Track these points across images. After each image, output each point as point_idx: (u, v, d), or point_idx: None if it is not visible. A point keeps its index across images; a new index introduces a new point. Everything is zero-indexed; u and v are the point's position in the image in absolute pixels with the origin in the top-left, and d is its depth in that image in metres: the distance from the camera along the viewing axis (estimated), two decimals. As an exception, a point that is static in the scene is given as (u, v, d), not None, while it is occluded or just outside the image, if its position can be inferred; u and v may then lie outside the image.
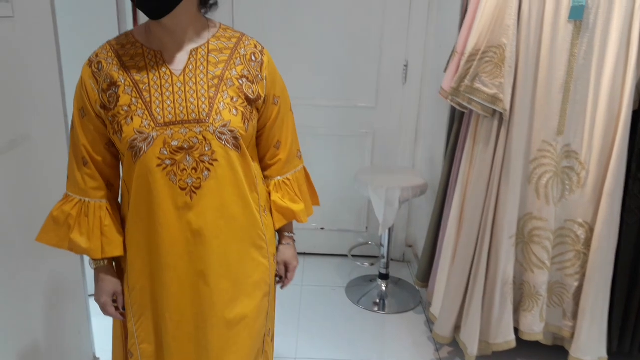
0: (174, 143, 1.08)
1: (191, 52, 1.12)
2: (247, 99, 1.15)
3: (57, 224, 1.17)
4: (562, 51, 1.81)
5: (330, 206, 3.03)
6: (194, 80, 1.11)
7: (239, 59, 1.16)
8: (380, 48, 2.82)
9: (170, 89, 1.10)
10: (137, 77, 1.10)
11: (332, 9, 2.77)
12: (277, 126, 1.26)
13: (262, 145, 1.27)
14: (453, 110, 2.24)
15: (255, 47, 1.21)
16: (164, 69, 1.10)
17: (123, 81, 1.10)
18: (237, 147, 1.13)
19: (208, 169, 1.11)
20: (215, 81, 1.12)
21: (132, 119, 1.08)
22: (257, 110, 1.19)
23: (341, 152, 3.00)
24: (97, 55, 1.14)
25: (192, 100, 1.09)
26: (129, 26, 2.30)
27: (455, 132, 2.19)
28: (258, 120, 1.21)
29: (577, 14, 1.74)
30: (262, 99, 1.18)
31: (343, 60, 2.85)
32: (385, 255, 2.68)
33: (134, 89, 1.09)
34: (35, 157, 1.54)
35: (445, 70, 2.09)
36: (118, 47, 1.13)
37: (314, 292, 2.77)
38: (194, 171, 1.10)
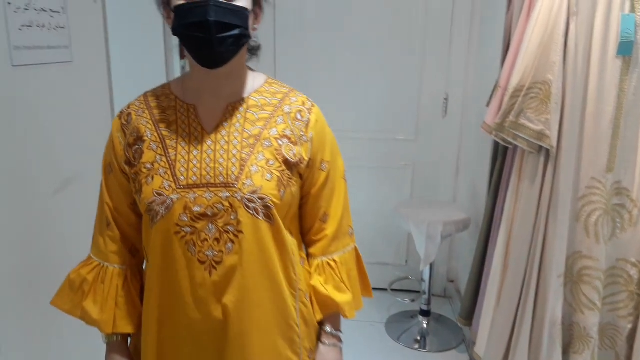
0: (196, 209, 0.95)
1: (228, 107, 1.01)
2: (286, 162, 1.00)
3: (72, 288, 1.07)
4: (611, 87, 1.77)
5: (369, 238, 3.01)
6: (226, 138, 0.99)
7: (281, 117, 1.03)
8: (420, 81, 2.83)
9: (199, 147, 0.98)
10: (165, 132, 1.00)
11: (373, 43, 2.80)
12: (325, 195, 1.08)
13: (306, 216, 1.10)
14: (496, 145, 2.21)
15: (303, 104, 1.06)
16: (195, 125, 1.00)
17: (149, 136, 1.00)
18: (269, 217, 0.97)
19: (232, 241, 0.96)
20: (251, 140, 0.99)
21: (152, 178, 0.97)
22: (300, 175, 1.04)
23: (381, 184, 2.99)
24: (128, 107, 1.06)
25: (221, 160, 0.97)
26: (177, 72, 2.39)
27: (499, 167, 2.15)
28: (301, 187, 1.06)
29: (626, 50, 1.71)
30: (306, 162, 1.03)
31: (383, 93, 2.86)
32: (427, 291, 2.63)
33: (160, 145, 0.99)
34: (89, 197, 1.59)
35: (487, 105, 2.07)
36: (152, 99, 1.04)
37: (352, 327, 2.72)
38: (215, 242, 0.96)
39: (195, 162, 0.97)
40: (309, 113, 1.05)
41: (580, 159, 1.85)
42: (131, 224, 1.07)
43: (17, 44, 1.25)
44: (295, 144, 1.02)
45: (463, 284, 2.67)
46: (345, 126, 2.87)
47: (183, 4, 0.91)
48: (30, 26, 1.29)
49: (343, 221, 1.11)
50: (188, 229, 0.95)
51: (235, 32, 0.92)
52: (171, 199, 0.95)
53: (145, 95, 1.07)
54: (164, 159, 0.98)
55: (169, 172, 0.97)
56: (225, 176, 0.96)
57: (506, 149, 2.07)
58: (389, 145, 2.93)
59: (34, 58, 1.32)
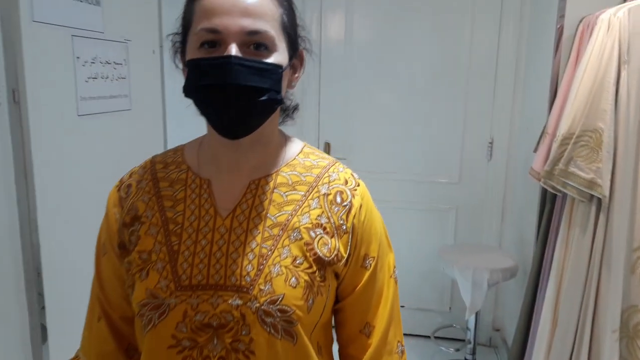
0: (198, 317, 0.73)
1: (250, 185, 0.80)
2: (318, 260, 0.77)
3: None
4: (665, 135, 1.72)
5: (411, 283, 2.97)
6: (244, 226, 0.77)
7: (317, 199, 0.80)
8: (464, 124, 2.83)
9: (209, 235, 0.77)
10: (169, 213, 0.79)
11: (417, 86, 2.83)
12: (367, 300, 0.84)
13: (343, 325, 0.87)
14: (544, 191, 2.17)
15: (346, 182, 0.83)
16: (207, 206, 0.78)
17: (149, 217, 0.79)
18: (291, 335, 0.75)
19: None
20: (275, 230, 0.77)
21: (147, 273, 0.76)
22: (336, 275, 0.81)
23: (423, 227, 2.96)
24: (130, 175, 0.86)
25: (235, 256, 0.75)
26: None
27: (547, 214, 2.10)
28: (337, 288, 0.83)
29: (681, 98, 1.67)
30: (344, 260, 0.80)
31: (426, 135, 2.87)
32: (472, 340, 2.55)
33: (161, 231, 0.78)
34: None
35: (535, 151, 2.04)
36: (160, 167, 0.84)
37: (394, 375, 2.67)
38: None
39: (202, 256, 0.76)
40: (352, 195, 0.82)
41: (634, 208, 1.79)
42: (126, 319, 0.85)
43: (83, 95, 1.34)
44: (332, 235, 0.79)
45: (509, 333, 2.58)
46: (388, 168, 2.89)
47: (199, 59, 0.72)
48: (95, 78, 1.38)
49: (390, 335, 0.86)
50: (187, 343, 0.74)
51: (264, 97, 0.72)
52: (167, 303, 0.74)
53: (152, 160, 0.86)
54: (164, 249, 0.77)
55: (168, 267, 0.76)
56: (239, 277, 0.74)
57: (555, 195, 2.03)
58: (432, 187, 2.92)
59: (97, 107, 1.40)
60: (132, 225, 0.80)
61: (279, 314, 0.74)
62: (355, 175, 0.87)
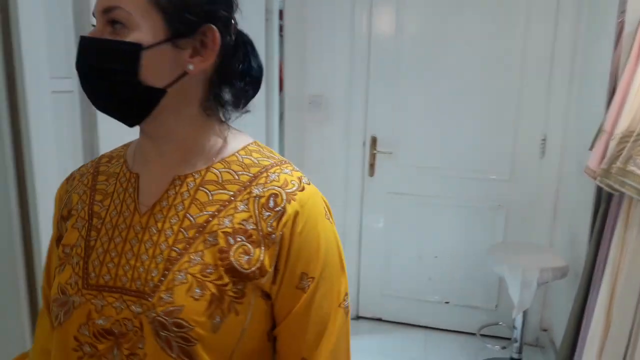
0: (101, 322, 0.66)
1: (174, 180, 0.71)
2: (233, 272, 0.66)
3: None
4: None
5: (456, 279, 2.95)
6: (159, 225, 0.69)
7: (246, 202, 0.68)
8: (517, 121, 2.77)
9: (124, 233, 0.70)
10: (96, 207, 0.74)
11: (467, 80, 2.80)
12: (303, 330, 0.69)
13: (278, 358, 0.74)
14: (599, 190, 2.11)
15: (285, 185, 0.69)
16: (129, 201, 0.72)
17: (79, 210, 0.75)
18: (189, 357, 0.64)
19: None
20: (191, 233, 0.67)
21: (64, 268, 0.72)
22: (264, 295, 0.69)
23: (471, 224, 2.92)
24: (80, 167, 0.82)
25: (144, 257, 0.68)
26: (275, 130, 2.48)
27: (602, 213, 2.05)
28: (271, 314, 0.71)
29: None
30: (268, 276, 0.67)
31: (477, 131, 2.83)
32: (519, 339, 2.51)
33: (85, 225, 0.73)
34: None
35: (590, 148, 1.99)
36: (105, 160, 0.80)
37: (438, 370, 2.66)
38: None
39: (113, 255, 0.69)
40: (288, 200, 0.68)
41: (697, 210, 1.72)
42: None
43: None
44: (257, 245, 0.67)
45: (557, 334, 2.52)
46: (436, 163, 2.87)
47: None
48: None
49: None
50: (88, 349, 0.67)
51: (116, 78, 0.65)
52: (72, 301, 0.68)
53: (103, 154, 0.82)
54: (82, 243, 0.72)
55: (81, 263, 0.70)
56: (144, 282, 0.66)
57: (610, 194, 1.97)
58: (481, 184, 2.88)
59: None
60: (67, 219, 0.77)
61: (174, 328, 0.63)
62: (305, 180, 0.71)
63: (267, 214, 0.67)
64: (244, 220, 0.67)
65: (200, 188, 0.70)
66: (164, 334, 0.64)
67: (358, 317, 3.18)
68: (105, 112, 0.69)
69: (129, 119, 0.69)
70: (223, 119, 0.76)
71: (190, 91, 0.70)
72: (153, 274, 0.66)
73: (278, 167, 0.72)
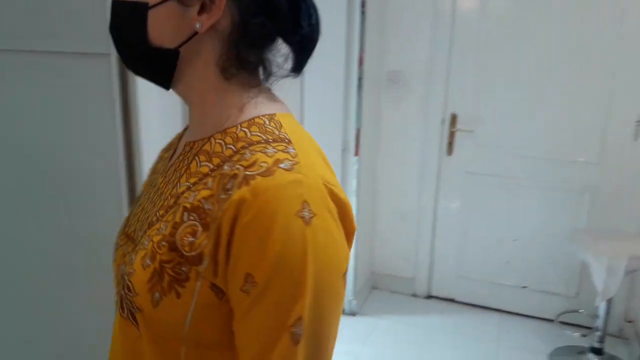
0: (122, 268, 0.70)
1: (185, 146, 0.70)
2: (174, 250, 0.61)
3: None
4: None
5: (535, 264, 2.86)
6: (162, 187, 0.70)
7: (216, 178, 0.62)
8: (609, 101, 2.62)
9: (152, 191, 0.74)
10: (154, 168, 0.82)
11: (555, 58, 2.67)
12: (244, 342, 0.60)
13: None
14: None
15: (251, 165, 0.59)
16: (165, 163, 0.77)
17: (148, 175, 0.83)
18: (134, 319, 0.64)
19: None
20: (172, 201, 0.66)
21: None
22: (214, 287, 0.60)
23: (553, 208, 2.82)
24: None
25: (143, 216, 0.72)
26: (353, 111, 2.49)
27: None
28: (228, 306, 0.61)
29: None
30: (203, 264, 0.59)
31: (564, 111, 2.71)
32: (601, 328, 2.42)
33: (145, 186, 0.80)
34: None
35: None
36: (183, 131, 0.82)
37: (511, 356, 2.62)
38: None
39: (140, 210, 0.73)
40: (239, 184, 0.58)
41: None
42: None
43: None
44: (207, 229, 0.60)
45: (645, 327, 2.40)
46: (519, 143, 2.78)
47: None
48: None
49: None
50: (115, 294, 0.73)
51: (129, 42, 0.66)
52: (115, 243, 0.76)
53: None
54: (136, 199, 0.80)
55: (129, 214, 0.78)
56: (138, 238, 0.69)
57: None
58: (566, 166, 2.75)
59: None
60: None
61: (126, 290, 0.64)
62: (285, 165, 0.59)
63: (222, 196, 0.59)
64: (203, 198, 0.61)
65: (195, 157, 0.66)
66: (122, 291, 0.65)
67: (430, 296, 3.18)
68: (137, 75, 0.70)
69: (158, 82, 0.68)
70: (252, 84, 0.68)
71: (204, 52, 0.65)
72: (140, 233, 0.69)
73: (264, 145, 0.61)
